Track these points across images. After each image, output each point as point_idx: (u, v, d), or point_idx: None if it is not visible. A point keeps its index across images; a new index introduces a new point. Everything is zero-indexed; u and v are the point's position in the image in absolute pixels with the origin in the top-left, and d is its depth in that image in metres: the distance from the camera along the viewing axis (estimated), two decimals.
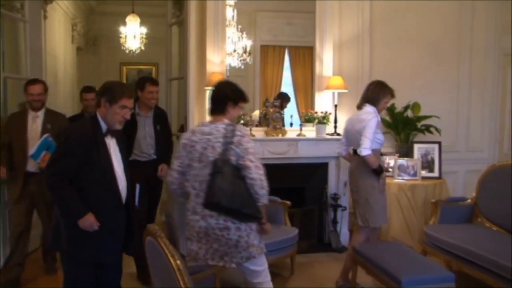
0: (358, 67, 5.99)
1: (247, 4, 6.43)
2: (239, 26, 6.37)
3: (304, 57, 6.59)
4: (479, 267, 4.00)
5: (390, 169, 5.75)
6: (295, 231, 4.70)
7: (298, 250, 4.82)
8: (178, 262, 2.24)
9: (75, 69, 9.62)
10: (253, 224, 3.11)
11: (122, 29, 9.13)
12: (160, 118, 4.69)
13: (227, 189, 2.91)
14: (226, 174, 2.94)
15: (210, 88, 5.26)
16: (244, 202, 2.96)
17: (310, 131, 5.55)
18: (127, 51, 9.32)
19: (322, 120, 5.51)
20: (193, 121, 5.31)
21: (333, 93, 5.64)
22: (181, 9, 6.35)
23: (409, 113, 5.93)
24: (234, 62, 6.42)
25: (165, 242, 2.31)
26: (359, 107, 4.37)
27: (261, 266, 3.21)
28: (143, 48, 9.31)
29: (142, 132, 4.50)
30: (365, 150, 4.10)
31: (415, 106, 5.89)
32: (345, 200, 5.57)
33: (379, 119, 4.35)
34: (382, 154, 4.81)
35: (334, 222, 5.56)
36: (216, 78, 5.22)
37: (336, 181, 5.60)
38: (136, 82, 4.66)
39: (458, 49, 6.33)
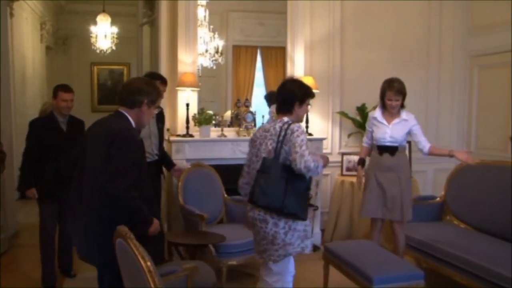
0: (329, 68, 6.05)
1: (219, 4, 6.42)
2: (211, 26, 6.35)
3: (276, 57, 6.60)
4: (448, 264, 4.08)
5: None
6: None
7: None
8: (149, 263, 2.22)
9: (44, 68, 9.46)
10: (297, 223, 3.06)
11: (92, 28, 9.01)
12: (161, 116, 4.63)
13: (268, 190, 2.96)
14: (272, 174, 2.98)
15: (181, 88, 5.27)
16: (285, 202, 2.97)
17: None
18: (98, 51, 9.21)
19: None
20: (165, 121, 5.26)
21: None
22: (153, 9, 6.31)
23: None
24: (206, 62, 6.39)
25: (135, 244, 2.29)
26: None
27: (281, 268, 3.13)
28: (114, 48, 9.20)
29: (146, 131, 4.30)
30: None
31: (379, 104, 5.96)
32: (317, 200, 5.60)
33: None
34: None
35: None
36: (188, 78, 5.20)
37: None
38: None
39: (427, 50, 6.44)
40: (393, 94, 4.30)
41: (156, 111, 4.11)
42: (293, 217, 3.04)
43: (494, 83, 5.91)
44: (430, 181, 6.24)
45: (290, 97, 3.14)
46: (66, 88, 4.38)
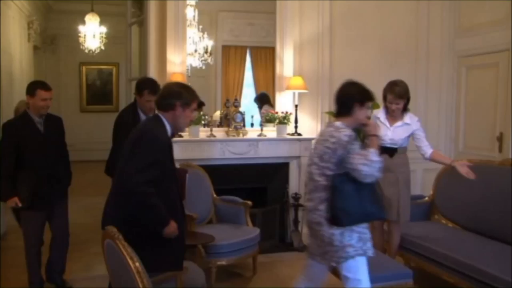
0: (318, 68, 6.05)
1: (208, 4, 6.41)
2: (200, 26, 6.35)
3: (266, 57, 6.61)
4: (436, 263, 4.11)
5: None
6: (256, 231, 4.71)
7: (260, 250, 4.83)
8: (137, 264, 2.21)
9: (32, 68, 9.38)
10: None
11: (81, 28, 8.96)
12: None
13: (348, 208, 2.93)
14: (343, 191, 2.93)
15: None
16: (368, 210, 3.00)
17: (271, 131, 5.58)
18: (86, 51, 9.16)
19: (283, 120, 5.54)
20: None
21: (294, 93, 5.68)
22: (141, 9, 6.28)
23: (368, 112, 6.02)
24: (195, 62, 6.39)
25: (123, 244, 2.28)
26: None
27: (350, 273, 3.06)
28: (103, 47, 9.17)
29: None
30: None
31: (374, 106, 5.92)
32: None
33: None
34: None
35: (296, 221, 5.60)
36: (177, 78, 5.19)
37: (297, 180, 5.63)
38: (136, 84, 4.33)
39: (415, 50, 6.47)
40: (393, 97, 4.30)
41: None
42: (377, 219, 3.10)
43: (482, 83, 5.96)
44: (419, 181, 6.26)
45: (348, 98, 3.09)
46: (45, 86, 4.06)
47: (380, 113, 4.47)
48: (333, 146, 2.95)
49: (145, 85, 4.15)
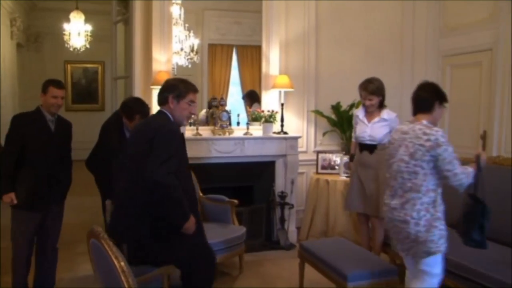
0: (304, 66, 6.08)
1: (194, 3, 6.39)
2: (186, 25, 6.32)
3: (252, 56, 6.60)
4: None
5: (337, 167, 5.88)
6: (243, 230, 4.71)
7: (246, 248, 4.83)
8: (122, 263, 2.20)
9: (16, 66, 9.29)
10: (436, 221, 3.07)
11: (65, 26, 8.88)
12: None
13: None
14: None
15: (156, 87, 5.23)
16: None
17: (257, 130, 5.58)
18: (71, 49, 9.08)
19: (269, 119, 5.54)
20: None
21: (280, 92, 5.69)
22: (127, 7, 6.24)
23: (354, 111, 6.05)
24: (182, 61, 6.36)
25: (108, 244, 2.27)
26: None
27: (429, 267, 3.15)
28: (88, 46, 9.09)
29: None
30: None
31: (360, 105, 6.02)
32: (292, 198, 5.63)
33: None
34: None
35: (282, 220, 5.61)
36: (162, 77, 5.16)
37: (283, 179, 5.64)
38: (125, 107, 4.36)
39: (400, 50, 6.52)
40: (365, 93, 4.48)
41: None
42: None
43: (466, 82, 6.01)
44: None
45: (431, 95, 3.15)
46: (58, 84, 3.96)
47: (359, 111, 4.63)
48: (428, 144, 2.95)
49: (136, 110, 4.25)
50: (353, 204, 4.66)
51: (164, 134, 2.95)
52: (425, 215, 3.03)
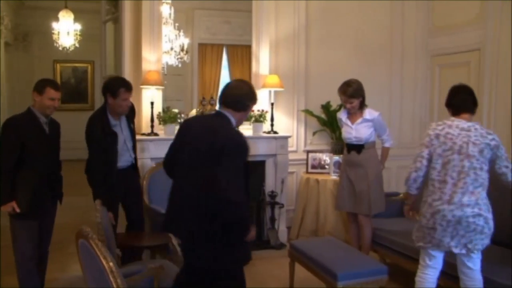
0: (294, 66, 6.08)
1: (184, 2, 6.38)
2: (176, 24, 6.31)
3: (242, 55, 6.60)
4: (411, 259, 4.16)
5: (327, 166, 5.89)
6: None
7: None
8: (111, 264, 2.19)
9: (3, 65, 9.21)
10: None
11: (54, 25, 8.81)
12: (131, 113, 4.32)
13: None
14: None
15: (145, 86, 5.21)
16: None
17: (246, 130, 5.55)
18: (60, 48, 9.02)
19: (259, 119, 5.54)
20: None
21: (270, 92, 5.69)
22: (116, 6, 6.21)
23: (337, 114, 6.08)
24: (172, 60, 6.35)
25: (97, 244, 2.26)
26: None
27: (478, 257, 3.31)
28: (77, 45, 9.03)
29: (121, 137, 4.11)
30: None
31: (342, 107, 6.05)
32: (282, 198, 5.64)
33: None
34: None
35: (272, 219, 5.62)
36: (152, 77, 5.15)
37: (274, 178, 5.64)
38: (107, 85, 4.11)
39: (390, 49, 6.55)
40: (345, 98, 4.54)
41: (122, 112, 4.08)
42: None
43: (454, 81, 6.00)
44: (394, 178, 6.35)
45: (475, 99, 3.45)
46: (55, 85, 3.82)
47: (342, 114, 4.69)
48: (493, 144, 3.22)
49: (119, 83, 4.07)
50: (344, 204, 4.69)
51: (235, 147, 2.76)
52: (489, 209, 3.24)
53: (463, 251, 3.25)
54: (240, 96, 2.92)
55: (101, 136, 4.00)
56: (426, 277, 3.44)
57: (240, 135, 2.86)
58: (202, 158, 2.78)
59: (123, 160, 4.19)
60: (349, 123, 4.59)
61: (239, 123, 3.01)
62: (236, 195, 2.68)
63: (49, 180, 3.84)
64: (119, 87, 3.99)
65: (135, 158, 4.38)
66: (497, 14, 5.38)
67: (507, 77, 5.29)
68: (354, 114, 4.58)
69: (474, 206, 3.17)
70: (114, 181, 4.04)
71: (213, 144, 2.74)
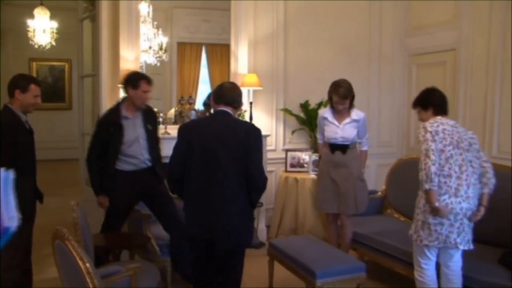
0: (273, 65, 6.09)
1: (163, 1, 6.35)
2: (155, 23, 6.27)
3: (221, 54, 6.59)
4: (389, 256, 4.21)
5: (305, 165, 5.92)
6: None
7: None
8: (87, 265, 2.18)
9: None
10: None
11: (30, 22, 8.65)
12: (150, 115, 4.25)
13: None
14: None
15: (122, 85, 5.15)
16: None
17: None
18: (36, 46, 8.86)
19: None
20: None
21: (249, 91, 5.69)
22: (93, 4, 6.14)
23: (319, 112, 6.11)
24: (150, 59, 6.31)
25: (73, 245, 2.24)
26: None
27: (459, 258, 3.46)
28: (54, 43, 8.89)
29: (132, 135, 4.02)
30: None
31: (328, 103, 6.07)
32: (261, 196, 5.62)
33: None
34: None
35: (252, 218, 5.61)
36: None
37: None
38: (127, 79, 4.12)
39: (368, 50, 6.60)
40: (338, 99, 4.43)
41: (139, 112, 4.11)
42: None
43: (431, 81, 6.10)
44: (373, 176, 6.41)
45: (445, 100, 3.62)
46: (37, 81, 3.71)
47: (326, 113, 4.59)
48: (473, 140, 3.43)
49: (139, 75, 4.13)
50: (327, 206, 4.63)
51: (259, 134, 3.22)
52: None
53: (468, 247, 3.37)
54: (238, 95, 3.32)
55: (103, 128, 4.04)
56: (431, 275, 3.49)
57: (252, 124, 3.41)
58: (236, 152, 3.10)
59: (136, 161, 4.08)
60: (336, 122, 4.52)
61: None
62: (264, 175, 3.24)
63: (36, 183, 3.78)
64: (139, 79, 4.04)
65: (155, 161, 4.18)
66: (471, 15, 5.47)
67: (482, 76, 5.38)
68: (340, 114, 4.54)
69: (475, 198, 3.33)
70: (112, 172, 3.99)
71: (240, 137, 3.11)
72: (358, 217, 4.69)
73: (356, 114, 4.54)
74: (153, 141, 4.20)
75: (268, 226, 5.89)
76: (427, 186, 3.26)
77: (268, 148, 5.78)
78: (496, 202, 4.00)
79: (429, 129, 3.38)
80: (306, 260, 3.78)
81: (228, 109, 3.24)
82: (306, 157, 5.94)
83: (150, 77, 4.17)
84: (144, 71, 5.74)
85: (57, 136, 10.82)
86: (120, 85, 5.19)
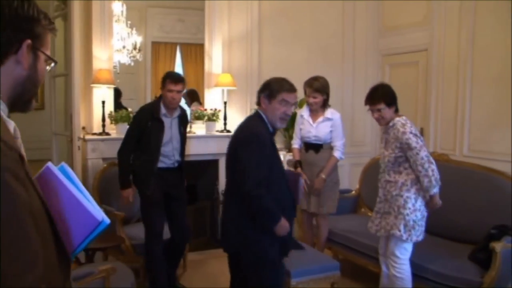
0: (247, 65, 6.08)
1: (137, 0, 6.31)
2: (129, 22, 6.22)
3: (196, 54, 6.58)
4: (362, 254, 4.27)
5: None
6: None
7: (190, 247, 4.81)
8: None
9: None
10: None
11: None
12: (184, 118, 4.32)
13: None
14: None
15: (96, 85, 5.10)
16: None
17: (200, 129, 5.55)
18: None
19: (212, 117, 5.53)
20: (79, 119, 5.05)
21: (223, 90, 5.69)
22: (65, 1, 6.06)
23: (298, 111, 6.13)
24: (124, 59, 6.26)
25: None
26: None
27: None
28: None
29: (168, 135, 4.08)
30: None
31: (302, 103, 6.07)
32: None
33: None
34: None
35: None
36: (103, 75, 5.06)
37: None
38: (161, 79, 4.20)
39: (342, 49, 6.65)
40: (310, 90, 4.47)
41: (177, 113, 4.13)
42: None
43: (404, 81, 6.22)
44: (347, 175, 6.45)
45: None
46: None
47: (304, 111, 4.63)
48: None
49: (166, 75, 4.14)
50: (303, 203, 4.63)
51: (248, 138, 2.89)
52: None
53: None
54: (258, 90, 3.11)
55: (143, 118, 4.05)
56: (409, 270, 3.56)
57: (254, 128, 2.96)
58: (228, 159, 3.06)
59: (167, 160, 4.13)
60: (310, 121, 4.55)
61: (268, 118, 3.00)
62: (250, 190, 2.82)
63: None
64: (165, 78, 4.07)
65: (181, 163, 4.26)
66: (442, 15, 5.56)
67: (453, 76, 5.47)
68: (316, 112, 4.54)
69: None
70: (155, 169, 4.03)
71: (232, 141, 3.07)
72: (332, 216, 4.73)
73: (330, 113, 4.56)
74: (184, 143, 4.29)
75: None
76: (435, 191, 3.39)
77: None
78: (467, 201, 4.11)
79: (414, 132, 3.47)
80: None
81: (258, 109, 3.05)
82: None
83: (180, 74, 4.22)
84: (117, 71, 5.70)
85: (29, 136, 10.57)
86: (92, 85, 5.14)
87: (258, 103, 3.02)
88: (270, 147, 2.93)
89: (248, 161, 2.79)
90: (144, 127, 3.99)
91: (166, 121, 4.08)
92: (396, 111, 3.59)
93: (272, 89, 2.94)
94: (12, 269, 0.90)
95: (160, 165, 4.07)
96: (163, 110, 4.07)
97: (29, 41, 1.17)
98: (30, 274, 0.93)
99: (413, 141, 3.39)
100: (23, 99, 1.24)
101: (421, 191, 3.43)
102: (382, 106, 3.53)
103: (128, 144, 4.06)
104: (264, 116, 2.96)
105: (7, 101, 1.17)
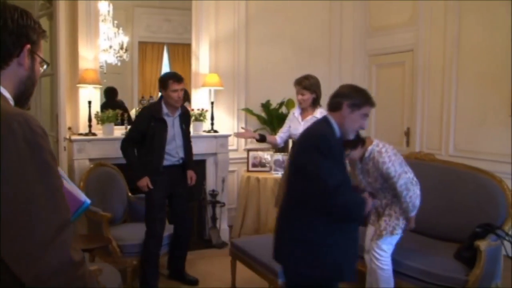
0: (234, 65, 6.08)
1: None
2: (116, 22, 6.19)
3: (183, 54, 6.56)
4: None
5: (267, 164, 5.94)
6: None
7: None
8: None
9: None
10: None
11: None
12: (186, 116, 4.47)
13: None
14: None
15: (82, 85, 5.07)
16: None
17: None
18: None
19: (199, 117, 5.52)
20: (65, 119, 5.01)
21: (210, 90, 5.68)
22: (51, 1, 6.01)
23: (283, 109, 6.15)
24: (111, 58, 6.22)
25: None
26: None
27: None
28: None
29: (171, 133, 4.23)
30: None
31: (290, 103, 6.10)
32: (224, 197, 5.64)
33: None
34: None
35: (214, 218, 5.61)
36: (89, 75, 5.03)
37: (214, 177, 5.64)
38: (159, 80, 4.32)
39: (329, 48, 6.67)
40: (299, 88, 4.46)
41: (178, 112, 4.24)
42: None
43: (390, 81, 6.26)
44: None
45: None
46: None
47: (296, 109, 4.64)
48: None
49: (168, 76, 4.26)
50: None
51: (316, 141, 2.75)
52: None
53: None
54: (333, 95, 2.93)
55: (145, 119, 4.19)
56: (390, 262, 3.62)
57: (323, 131, 2.82)
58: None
59: (171, 158, 4.29)
60: (300, 119, 4.56)
61: (342, 125, 2.83)
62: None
63: None
64: (168, 79, 4.17)
65: (185, 161, 4.41)
66: (428, 16, 5.61)
67: (438, 76, 5.52)
68: (306, 111, 4.52)
69: None
70: (160, 168, 4.18)
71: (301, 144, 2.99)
72: None
73: (320, 112, 4.53)
74: (187, 140, 4.44)
75: (230, 226, 5.89)
76: (412, 214, 3.55)
77: (230, 148, 5.79)
78: (453, 200, 4.13)
79: (395, 153, 3.56)
80: (267, 259, 3.76)
81: (328, 114, 2.90)
82: (267, 156, 5.96)
83: (180, 75, 4.30)
84: (104, 71, 5.66)
85: None
86: (78, 85, 5.11)
87: (333, 108, 2.86)
88: (338, 153, 2.83)
89: (322, 165, 2.69)
90: (147, 127, 4.13)
91: (169, 120, 4.23)
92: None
93: (359, 100, 2.83)
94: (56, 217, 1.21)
95: (164, 162, 4.22)
96: (165, 110, 4.21)
97: (28, 46, 1.39)
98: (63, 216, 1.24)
99: (392, 171, 3.43)
100: (24, 96, 1.45)
101: None
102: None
103: (131, 138, 4.25)
104: (333, 122, 2.82)
105: (12, 98, 1.38)
